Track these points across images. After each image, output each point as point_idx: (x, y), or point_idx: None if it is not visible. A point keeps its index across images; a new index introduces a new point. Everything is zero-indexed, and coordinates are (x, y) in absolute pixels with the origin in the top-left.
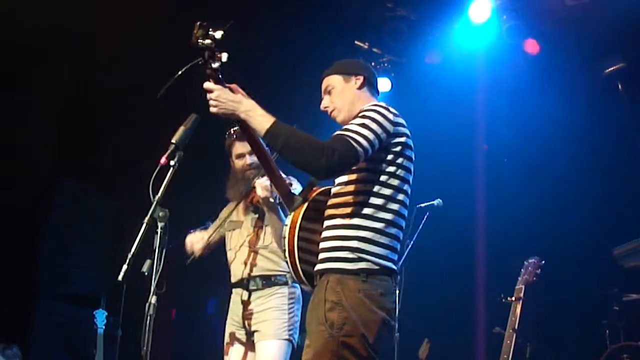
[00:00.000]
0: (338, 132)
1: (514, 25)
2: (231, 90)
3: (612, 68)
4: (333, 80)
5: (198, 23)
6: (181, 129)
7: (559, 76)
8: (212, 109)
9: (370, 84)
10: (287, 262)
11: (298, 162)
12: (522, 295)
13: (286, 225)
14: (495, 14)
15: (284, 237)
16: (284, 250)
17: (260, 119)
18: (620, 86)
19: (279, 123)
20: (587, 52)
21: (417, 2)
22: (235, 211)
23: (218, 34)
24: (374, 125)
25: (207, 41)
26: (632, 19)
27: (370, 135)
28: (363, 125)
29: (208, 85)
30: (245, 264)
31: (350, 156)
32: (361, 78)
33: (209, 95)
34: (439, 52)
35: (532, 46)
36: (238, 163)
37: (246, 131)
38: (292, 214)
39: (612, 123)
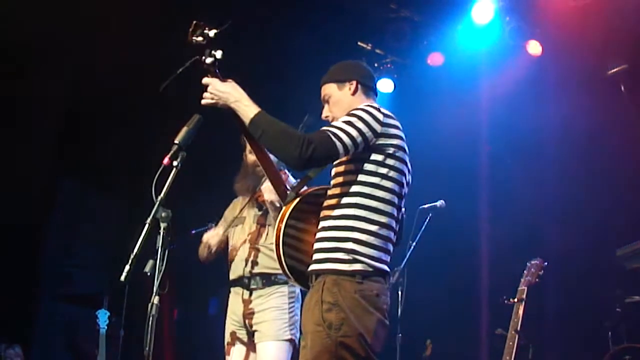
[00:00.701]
0: (322, 128)
1: (517, 26)
2: None
3: (615, 69)
4: (329, 89)
5: (194, 22)
6: (184, 130)
7: (562, 77)
8: (205, 101)
9: (365, 87)
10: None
11: (274, 150)
12: (524, 296)
13: (277, 218)
14: (499, 15)
15: (274, 229)
16: (271, 242)
17: (246, 109)
18: (623, 88)
19: (263, 113)
20: (590, 53)
21: (420, 3)
22: (239, 208)
23: (211, 33)
24: (359, 124)
25: (200, 39)
26: (636, 20)
27: (354, 132)
28: (348, 123)
29: (205, 80)
30: (246, 261)
31: (327, 150)
32: (354, 83)
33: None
34: (442, 53)
35: (535, 47)
36: (250, 158)
37: (243, 128)
38: (284, 208)
39: (616, 124)
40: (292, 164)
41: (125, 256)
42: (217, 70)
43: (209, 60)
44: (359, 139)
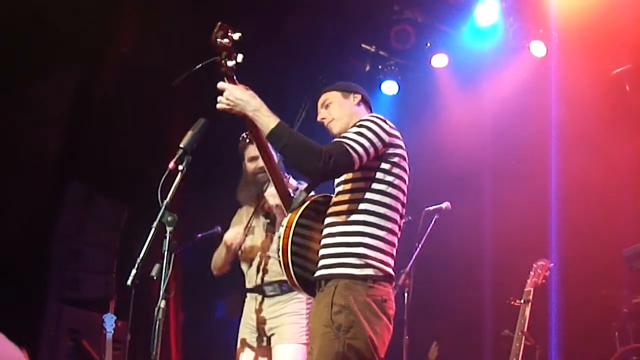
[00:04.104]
0: (336, 139)
1: (521, 27)
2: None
3: (619, 69)
4: (332, 96)
5: (219, 23)
6: (189, 134)
7: (566, 78)
8: (220, 106)
9: (366, 103)
10: (279, 262)
11: (297, 162)
12: (531, 297)
13: (282, 225)
14: (502, 17)
15: (279, 237)
16: (278, 250)
17: (266, 119)
18: (627, 87)
19: (283, 124)
20: (594, 54)
21: (424, 5)
22: (247, 217)
23: (236, 36)
24: (369, 134)
25: (225, 41)
26: None
27: (366, 143)
28: (359, 134)
29: (221, 84)
30: (260, 269)
31: (346, 161)
32: (359, 96)
33: (222, 94)
34: (445, 54)
35: (539, 48)
36: (250, 166)
37: (255, 134)
38: (289, 215)
39: (620, 124)
40: (314, 176)
41: (132, 260)
42: (234, 75)
43: (230, 63)
44: (371, 149)
